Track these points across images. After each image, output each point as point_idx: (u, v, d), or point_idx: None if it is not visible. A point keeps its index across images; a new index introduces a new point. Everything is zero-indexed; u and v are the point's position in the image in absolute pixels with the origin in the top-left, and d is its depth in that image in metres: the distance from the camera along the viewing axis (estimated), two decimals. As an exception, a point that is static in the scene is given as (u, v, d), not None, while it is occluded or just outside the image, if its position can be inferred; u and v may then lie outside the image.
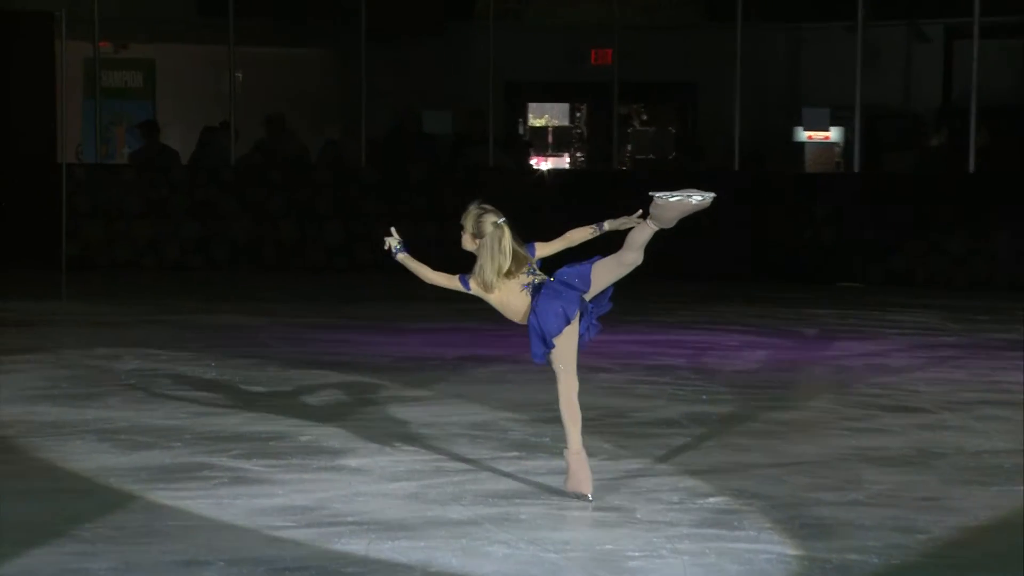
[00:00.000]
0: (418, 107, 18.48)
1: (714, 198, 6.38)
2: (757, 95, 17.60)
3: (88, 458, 7.06)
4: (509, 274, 6.50)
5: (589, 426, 8.09)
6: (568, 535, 6.00)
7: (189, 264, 17.06)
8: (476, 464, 7.10)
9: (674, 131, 20.00)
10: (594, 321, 6.63)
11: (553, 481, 6.76)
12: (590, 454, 7.32)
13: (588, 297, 6.55)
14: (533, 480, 6.79)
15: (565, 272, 6.51)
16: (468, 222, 6.52)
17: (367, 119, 17.50)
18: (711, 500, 6.52)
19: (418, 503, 6.39)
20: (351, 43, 17.75)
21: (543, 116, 20.28)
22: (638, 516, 6.25)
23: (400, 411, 8.44)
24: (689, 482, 6.82)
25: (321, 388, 9.19)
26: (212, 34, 18.00)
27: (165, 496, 6.38)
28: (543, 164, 19.26)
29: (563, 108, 20.26)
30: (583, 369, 10.02)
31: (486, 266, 6.47)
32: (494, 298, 6.55)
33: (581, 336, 6.57)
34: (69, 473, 6.74)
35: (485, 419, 8.25)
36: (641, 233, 6.44)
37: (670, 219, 6.41)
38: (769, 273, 16.29)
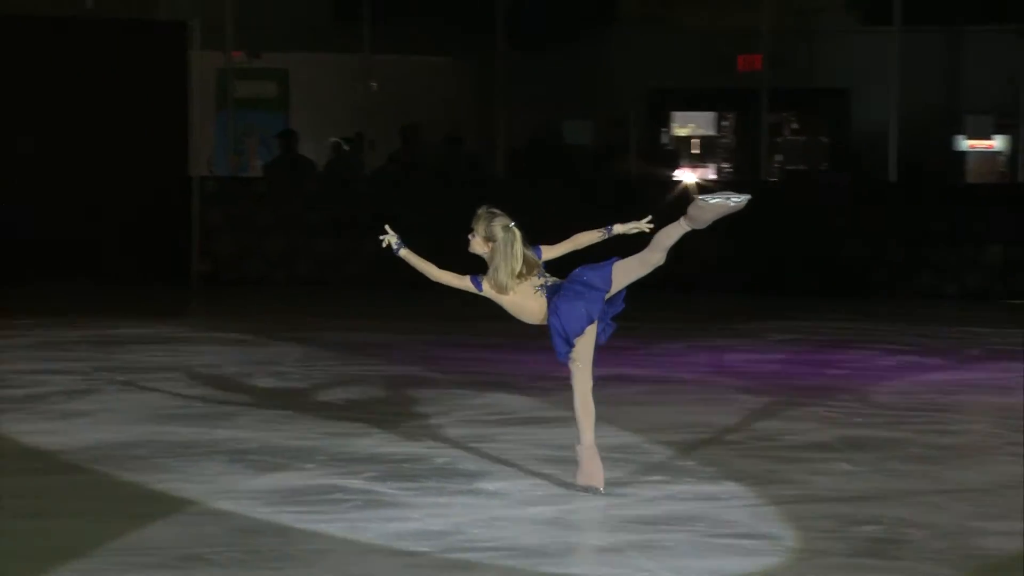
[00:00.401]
0: (558, 116, 18.50)
1: (748, 200, 6.75)
2: (915, 102, 17.39)
3: (219, 479, 7.14)
4: (520, 277, 6.84)
5: (737, 449, 8.04)
6: (715, 563, 5.95)
7: (322, 279, 17.22)
8: (618, 488, 7.07)
9: (826, 140, 19.82)
10: (609, 321, 6.93)
11: (700, 507, 6.71)
12: (738, 479, 7.27)
13: (607, 297, 6.83)
14: (678, 505, 6.74)
15: (585, 273, 6.81)
16: (479, 226, 6.87)
17: (505, 129, 17.55)
18: (867, 528, 6.43)
19: (558, 528, 6.38)
20: (488, 50, 17.83)
21: (688, 125, 20.21)
22: (789, 544, 6.18)
23: (539, 432, 8.44)
24: (843, 509, 6.73)
25: (456, 408, 9.21)
26: (347, 42, 18.19)
27: (297, 519, 6.43)
28: (687, 175, 19.18)
29: (709, 117, 20.18)
30: (730, 390, 9.98)
31: (501, 269, 6.80)
32: (507, 300, 6.87)
33: (597, 336, 6.89)
34: (200, 494, 6.82)
35: (627, 441, 8.22)
36: (672, 233, 6.77)
37: (706, 220, 6.76)
38: (928, 289, 16.07)
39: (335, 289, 16.82)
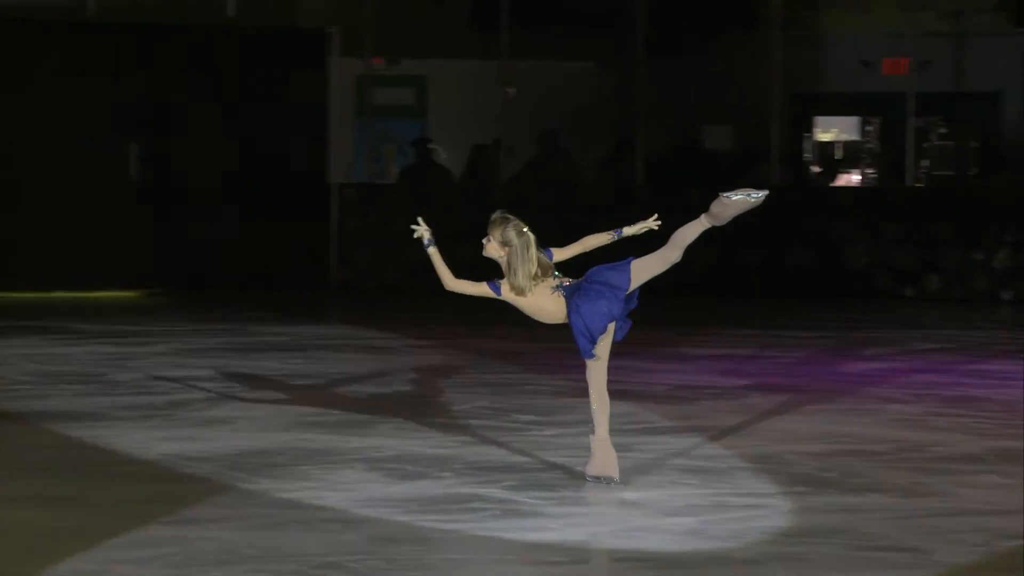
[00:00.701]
0: (697, 121, 18.42)
1: (766, 195, 7.12)
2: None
3: (357, 487, 7.19)
4: (536, 278, 7.13)
5: (882, 460, 7.94)
6: (859, 577, 5.88)
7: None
8: (759, 499, 7.02)
9: (976, 145, 19.52)
10: (625, 318, 7.23)
11: (844, 519, 6.64)
12: (883, 490, 7.19)
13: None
14: (821, 517, 6.68)
15: (604, 273, 7.12)
16: (495, 231, 7.14)
17: (644, 135, 17.50)
18: (1017, 542, 6.32)
19: (698, 539, 6.34)
20: (628, 55, 17.79)
21: (831, 130, 20.02)
22: (936, 559, 6.09)
23: (677, 442, 8.40)
24: (993, 522, 6.63)
25: (596, 417, 9.19)
26: (485, 48, 18.26)
27: (436, 528, 6.46)
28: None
29: (853, 121, 19.97)
30: (875, 400, 9.88)
31: (519, 271, 7.09)
32: (525, 302, 7.16)
33: (615, 332, 7.21)
34: (338, 502, 6.87)
35: (768, 451, 8.16)
36: (691, 231, 7.08)
37: (727, 217, 7.10)
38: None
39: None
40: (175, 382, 10.42)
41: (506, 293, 7.14)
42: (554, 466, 7.70)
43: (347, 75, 18.12)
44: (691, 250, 7.17)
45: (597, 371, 7.24)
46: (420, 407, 9.49)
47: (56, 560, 5.82)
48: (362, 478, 7.39)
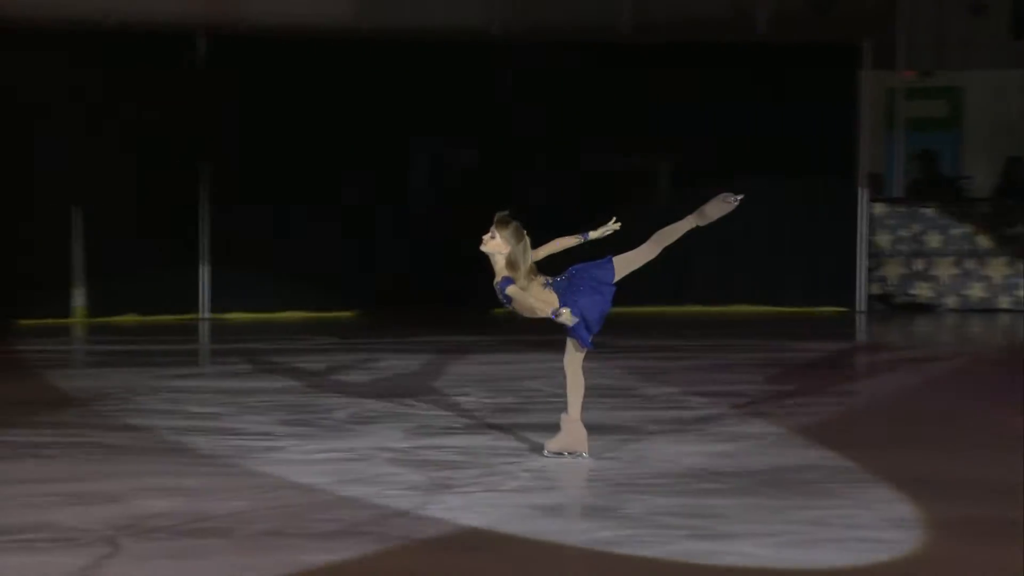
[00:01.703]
0: None
1: (741, 199, 7.88)
2: None
3: (888, 507, 7.15)
4: (528, 276, 7.83)
5: None
6: None
7: (995, 305, 16.90)
8: None
9: None
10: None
11: None
12: None
13: None
14: None
15: (591, 270, 7.89)
16: (501, 230, 7.80)
17: None
18: None
19: None
20: None
21: None
22: None
23: None
24: None
25: None
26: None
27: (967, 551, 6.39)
28: None
29: None
30: None
31: (522, 268, 7.80)
32: (524, 297, 7.78)
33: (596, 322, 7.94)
34: (869, 520, 6.86)
35: None
36: (677, 230, 7.89)
37: (714, 218, 7.92)
38: None
39: (1010, 315, 16.45)
40: (706, 397, 10.59)
41: (514, 291, 7.79)
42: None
43: (878, 88, 17.98)
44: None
45: (578, 358, 7.99)
46: (959, 427, 9.35)
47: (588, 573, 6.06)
48: (891, 498, 7.35)
